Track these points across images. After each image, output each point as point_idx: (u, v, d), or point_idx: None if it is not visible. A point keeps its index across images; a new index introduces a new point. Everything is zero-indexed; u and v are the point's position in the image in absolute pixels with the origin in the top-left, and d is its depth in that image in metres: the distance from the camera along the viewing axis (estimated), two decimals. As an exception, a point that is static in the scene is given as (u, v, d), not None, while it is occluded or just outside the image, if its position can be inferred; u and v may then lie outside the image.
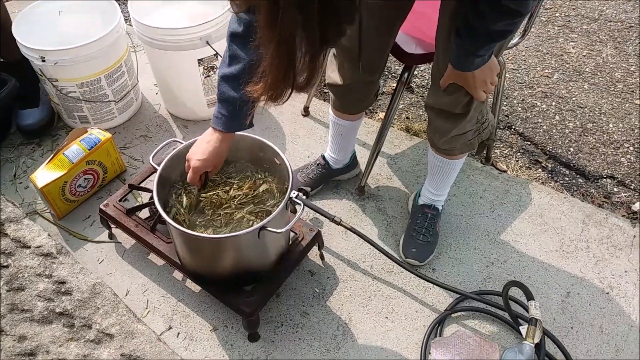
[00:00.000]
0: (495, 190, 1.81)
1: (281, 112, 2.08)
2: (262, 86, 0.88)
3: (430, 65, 1.39)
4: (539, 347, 1.20)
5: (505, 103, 2.17)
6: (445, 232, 1.67)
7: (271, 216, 1.21)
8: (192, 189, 1.39)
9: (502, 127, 2.08)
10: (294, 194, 1.28)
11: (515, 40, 1.61)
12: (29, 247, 1.12)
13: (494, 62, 1.17)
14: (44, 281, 1.06)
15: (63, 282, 1.07)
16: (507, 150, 1.99)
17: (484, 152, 1.90)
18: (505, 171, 1.89)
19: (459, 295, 1.50)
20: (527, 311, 1.35)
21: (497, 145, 1.99)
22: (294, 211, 1.51)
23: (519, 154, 1.98)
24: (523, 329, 0.98)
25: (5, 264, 1.08)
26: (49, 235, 1.15)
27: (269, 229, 1.19)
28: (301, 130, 2.02)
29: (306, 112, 2.08)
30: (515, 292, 1.47)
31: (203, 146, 1.24)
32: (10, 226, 1.15)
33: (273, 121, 2.05)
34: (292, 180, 1.29)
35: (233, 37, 1.14)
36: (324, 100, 2.16)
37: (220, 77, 1.16)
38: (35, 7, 1.85)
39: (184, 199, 1.37)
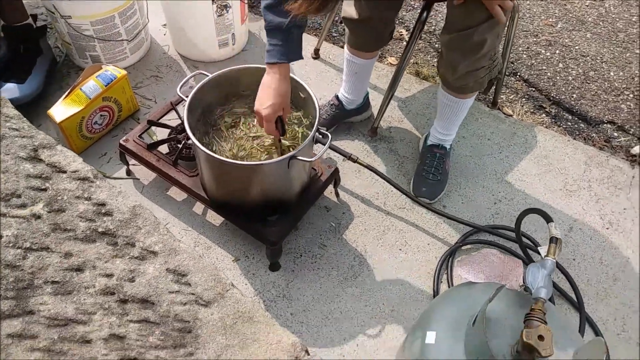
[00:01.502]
0: (502, 133, 1.87)
1: (290, 56, 2.09)
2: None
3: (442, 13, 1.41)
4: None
5: (512, 50, 2.20)
6: (455, 172, 1.74)
7: (301, 146, 1.25)
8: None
9: (508, 74, 2.12)
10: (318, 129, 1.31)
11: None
12: (65, 172, 1.14)
13: None
14: (84, 203, 1.10)
15: (103, 204, 1.10)
16: (512, 96, 2.04)
17: (491, 93, 1.94)
18: (511, 115, 1.95)
19: (468, 230, 1.58)
20: (534, 244, 1.43)
21: (503, 91, 2.04)
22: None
23: (524, 99, 2.03)
24: (542, 249, 1.05)
25: (43, 187, 1.11)
26: (83, 160, 1.17)
27: (299, 157, 1.23)
28: (312, 73, 2.04)
29: (316, 54, 2.09)
30: (525, 228, 1.55)
31: (265, 92, 1.21)
32: (44, 152, 1.17)
33: (283, 64, 2.05)
34: (318, 112, 1.32)
35: None
36: (334, 44, 2.16)
37: (263, 8, 1.17)
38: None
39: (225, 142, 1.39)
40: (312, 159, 1.26)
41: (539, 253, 1.06)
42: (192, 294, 1.01)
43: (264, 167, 1.26)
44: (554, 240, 1.02)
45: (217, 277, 1.03)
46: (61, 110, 1.60)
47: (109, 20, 1.76)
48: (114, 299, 1.00)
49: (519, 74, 2.13)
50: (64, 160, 1.18)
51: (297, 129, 1.41)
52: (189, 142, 1.36)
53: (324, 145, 1.31)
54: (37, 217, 1.08)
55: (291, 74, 1.37)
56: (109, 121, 1.74)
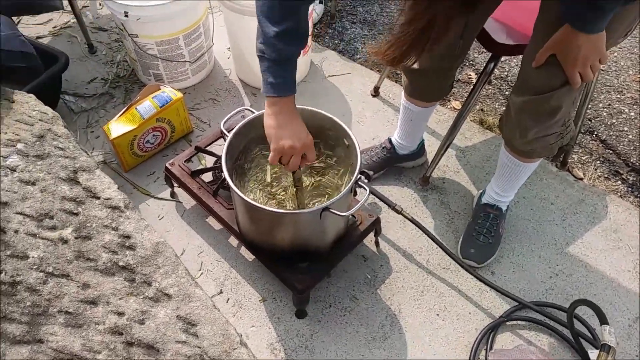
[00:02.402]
0: (568, 197, 1.71)
1: (350, 90, 2.04)
2: (388, 48, 0.86)
3: (519, 58, 1.30)
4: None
5: (589, 106, 2.03)
6: (510, 236, 1.60)
7: (335, 198, 1.18)
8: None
9: (583, 132, 1.94)
10: (359, 177, 1.25)
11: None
12: (98, 198, 1.14)
13: (602, 42, 1.05)
14: (110, 233, 1.09)
15: (128, 237, 1.08)
16: (585, 157, 1.87)
17: (561, 157, 1.79)
18: (581, 179, 1.78)
19: (517, 303, 1.43)
20: (591, 333, 1.27)
21: (575, 150, 1.87)
22: (355, 193, 1.48)
23: (598, 162, 1.85)
24: (592, 354, 0.92)
25: (75, 211, 1.11)
26: (118, 188, 1.17)
27: (331, 210, 1.17)
28: (369, 110, 1.97)
29: (376, 92, 2.02)
30: (580, 310, 1.39)
31: (289, 129, 1.13)
32: (83, 175, 1.18)
33: (341, 98, 2.00)
34: (360, 164, 1.25)
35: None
36: (396, 82, 2.09)
37: (274, 37, 1.07)
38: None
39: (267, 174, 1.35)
40: (346, 214, 1.19)
41: (593, 345, 0.92)
42: (198, 347, 0.96)
43: (295, 216, 1.21)
44: (605, 347, 0.89)
45: (226, 333, 0.98)
46: (116, 127, 1.63)
47: (173, 41, 1.79)
48: (120, 339, 0.97)
49: (596, 133, 1.95)
50: (100, 185, 1.18)
51: (337, 176, 1.35)
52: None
53: (366, 190, 1.24)
54: (64, 241, 1.08)
55: (337, 119, 1.32)
56: (161, 141, 1.76)
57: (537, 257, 1.56)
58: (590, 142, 1.92)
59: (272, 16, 1.06)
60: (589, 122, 1.98)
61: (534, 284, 1.50)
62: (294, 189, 1.29)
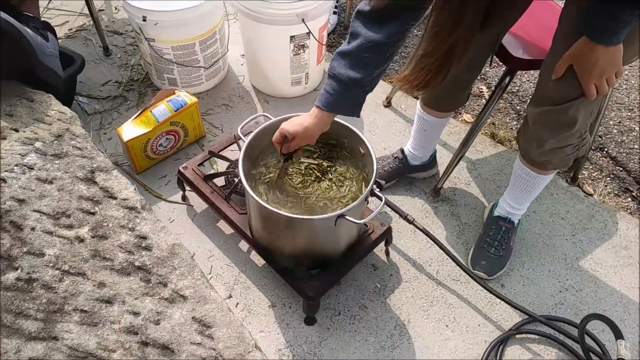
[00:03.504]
0: (578, 213, 1.71)
1: (362, 100, 2.04)
2: (413, 76, 0.88)
3: (531, 74, 1.31)
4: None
5: (601, 122, 2.04)
6: (520, 249, 1.60)
7: (351, 206, 1.18)
8: (276, 165, 1.37)
9: (593, 148, 1.95)
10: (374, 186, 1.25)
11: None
12: (115, 198, 1.15)
13: (619, 55, 1.06)
14: (127, 233, 1.09)
15: (144, 237, 1.09)
16: (596, 173, 1.87)
17: (572, 172, 1.80)
18: (591, 195, 1.78)
19: (527, 317, 1.43)
20: (601, 348, 1.27)
21: (586, 166, 1.87)
22: (367, 202, 1.48)
23: (608, 178, 1.86)
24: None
25: (92, 211, 1.12)
26: (135, 189, 1.18)
27: (347, 217, 1.17)
28: (381, 120, 1.98)
29: (388, 103, 2.04)
30: (589, 325, 1.38)
31: (299, 117, 1.21)
32: (100, 175, 1.19)
33: (353, 108, 2.01)
34: (375, 173, 1.26)
35: (358, 14, 1.11)
36: (408, 94, 2.10)
37: (336, 53, 1.14)
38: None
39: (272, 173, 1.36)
40: (361, 221, 1.19)
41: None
42: (213, 349, 0.96)
43: (309, 221, 1.21)
44: (623, 363, 0.88)
45: (242, 336, 0.98)
46: (129, 129, 1.64)
47: (189, 47, 1.81)
48: (136, 339, 0.97)
49: (606, 149, 1.96)
50: (117, 186, 1.19)
51: (352, 184, 1.35)
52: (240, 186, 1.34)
53: (381, 200, 1.24)
54: (81, 240, 1.09)
55: (353, 127, 1.33)
56: (174, 144, 1.77)
57: (547, 271, 1.56)
58: (601, 158, 1.93)
59: (348, 35, 1.12)
60: (600, 139, 1.99)
61: (543, 298, 1.50)
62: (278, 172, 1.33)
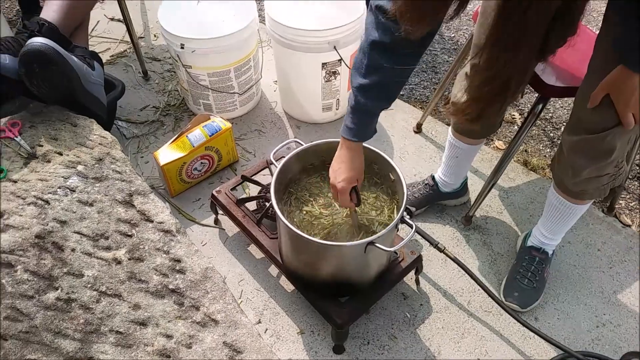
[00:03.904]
0: (616, 245, 1.66)
1: (392, 126, 2.06)
2: (467, 108, 0.89)
3: (565, 100, 1.30)
4: None
5: (638, 151, 1.99)
6: (555, 281, 1.56)
7: (381, 233, 1.19)
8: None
9: (631, 177, 1.90)
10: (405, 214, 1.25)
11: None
12: (152, 221, 1.18)
13: None
14: (162, 256, 1.12)
15: (179, 261, 1.11)
16: (634, 203, 1.82)
17: (609, 202, 1.75)
18: (629, 226, 1.73)
19: (562, 352, 1.39)
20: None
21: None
22: (397, 229, 1.48)
23: (647, 209, 1.81)
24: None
25: (129, 233, 1.15)
26: (170, 212, 1.21)
27: (377, 244, 1.17)
28: (411, 147, 1.98)
29: (419, 129, 2.04)
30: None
31: (341, 166, 1.22)
32: (138, 198, 1.22)
33: (383, 134, 2.03)
34: (406, 200, 1.26)
35: (374, 45, 1.09)
36: (438, 119, 2.10)
37: (356, 88, 1.14)
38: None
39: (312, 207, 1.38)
40: (391, 249, 1.19)
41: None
42: (244, 375, 0.97)
43: (339, 248, 1.22)
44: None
45: (272, 363, 0.98)
46: (166, 153, 1.68)
47: (224, 73, 1.86)
48: (168, 363, 0.99)
49: (644, 179, 1.91)
50: (154, 209, 1.22)
51: (382, 211, 1.36)
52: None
53: (411, 227, 1.24)
54: (118, 262, 1.12)
55: (383, 153, 1.34)
56: (208, 169, 1.81)
57: (582, 304, 1.51)
58: (639, 187, 1.88)
59: (358, 69, 1.14)
60: (637, 167, 1.94)
61: (579, 333, 1.45)
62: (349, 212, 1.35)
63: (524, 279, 1.50)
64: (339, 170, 1.22)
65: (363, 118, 1.17)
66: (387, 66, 1.10)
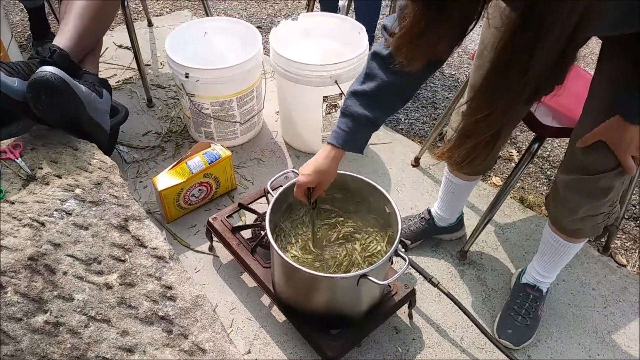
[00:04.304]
0: (610, 284, 1.65)
1: (391, 159, 2.08)
2: (449, 149, 0.91)
3: (563, 139, 1.32)
4: None
5: (634, 191, 2.00)
6: (548, 319, 1.55)
7: (374, 266, 1.19)
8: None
9: (627, 217, 1.91)
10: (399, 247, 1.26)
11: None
12: (145, 247, 1.19)
13: None
14: (153, 282, 1.12)
15: (170, 287, 1.11)
16: (629, 243, 1.82)
17: (604, 239, 1.75)
18: (624, 265, 1.73)
19: (554, 393, 1.37)
20: None
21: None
22: (391, 262, 1.48)
23: (643, 249, 1.80)
24: None
25: (122, 258, 1.15)
26: (165, 238, 1.21)
27: (369, 277, 1.17)
28: (408, 180, 2.00)
29: (416, 162, 2.06)
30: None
31: (312, 163, 1.24)
32: (133, 223, 1.23)
33: (381, 166, 2.05)
34: (400, 233, 1.26)
35: (374, 55, 1.14)
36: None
37: (349, 93, 1.17)
38: (186, 26, 2.02)
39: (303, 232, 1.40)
40: (384, 282, 1.19)
41: None
42: (229, 406, 0.96)
43: (331, 279, 1.22)
44: None
45: (258, 395, 0.97)
46: (164, 179, 1.70)
47: (227, 103, 1.90)
48: (153, 391, 0.98)
49: (640, 219, 1.91)
50: (148, 235, 1.23)
51: (377, 243, 1.36)
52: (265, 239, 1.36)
53: (405, 261, 1.24)
54: (109, 287, 1.12)
55: (378, 185, 1.35)
56: (206, 195, 1.82)
57: (576, 344, 1.50)
58: (634, 228, 1.88)
59: (358, 78, 1.17)
60: (634, 208, 1.95)
61: (573, 374, 1.43)
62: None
63: (517, 316, 1.49)
64: (307, 166, 1.24)
65: (348, 124, 1.17)
66: (380, 77, 1.12)
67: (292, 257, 1.36)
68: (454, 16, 0.81)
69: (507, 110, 0.90)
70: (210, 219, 1.61)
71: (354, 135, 1.19)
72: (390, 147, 2.13)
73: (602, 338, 1.51)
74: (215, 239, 1.66)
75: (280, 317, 1.54)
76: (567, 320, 1.55)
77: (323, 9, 2.49)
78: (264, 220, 1.58)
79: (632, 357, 1.47)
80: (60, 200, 1.26)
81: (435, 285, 1.45)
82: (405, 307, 1.51)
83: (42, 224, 1.18)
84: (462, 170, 1.45)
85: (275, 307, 1.55)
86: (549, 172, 2.09)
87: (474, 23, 0.83)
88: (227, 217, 1.63)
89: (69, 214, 1.23)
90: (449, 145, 1.02)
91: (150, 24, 2.81)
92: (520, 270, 1.61)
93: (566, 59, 0.81)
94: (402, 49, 0.95)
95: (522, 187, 2.01)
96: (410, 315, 1.54)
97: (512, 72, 0.83)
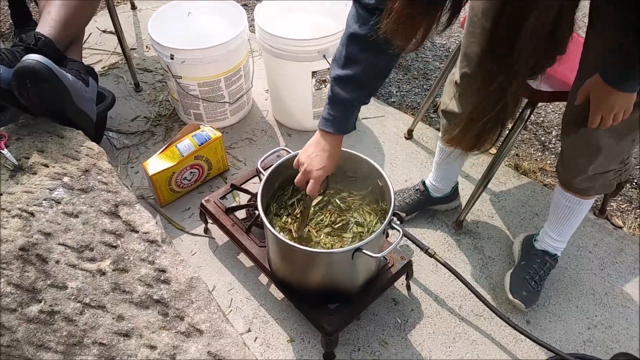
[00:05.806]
0: (607, 246, 1.66)
1: (383, 132, 2.06)
2: (461, 135, 0.91)
3: (556, 104, 1.30)
4: None
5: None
6: (546, 284, 1.55)
7: (368, 239, 1.18)
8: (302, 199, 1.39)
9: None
10: (392, 219, 1.25)
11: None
12: (137, 232, 1.18)
13: (631, 101, 1.07)
14: (147, 267, 1.11)
15: (163, 271, 1.11)
16: (625, 205, 1.82)
17: (600, 199, 1.75)
18: (621, 227, 1.73)
19: (553, 354, 1.38)
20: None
21: (614, 198, 1.82)
22: (387, 235, 1.48)
23: (638, 210, 1.80)
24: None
25: (114, 244, 1.15)
26: (156, 223, 1.20)
27: (364, 251, 1.17)
28: (402, 153, 1.98)
29: (409, 135, 2.04)
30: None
31: (319, 154, 1.20)
32: (124, 209, 1.22)
33: (374, 140, 2.03)
34: (393, 205, 1.25)
35: (352, 38, 1.10)
36: (429, 125, 2.10)
37: (333, 79, 1.15)
38: (169, 8, 1.98)
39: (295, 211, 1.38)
40: (379, 255, 1.19)
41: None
42: (228, 385, 0.96)
43: (326, 255, 1.22)
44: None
45: (256, 373, 0.98)
46: (155, 163, 1.69)
47: (214, 83, 1.87)
48: (151, 374, 0.98)
49: (636, 180, 1.90)
50: (139, 219, 1.22)
51: (369, 218, 1.36)
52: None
53: (400, 233, 1.24)
54: (102, 273, 1.11)
55: (371, 160, 1.34)
56: (198, 178, 1.81)
57: (574, 307, 1.51)
58: (630, 189, 1.87)
59: (337, 60, 1.14)
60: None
61: (571, 335, 1.44)
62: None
63: (531, 281, 1.48)
64: (317, 158, 1.20)
65: (341, 110, 1.16)
66: (364, 60, 1.10)
67: (286, 233, 1.36)
68: None
69: (508, 85, 0.90)
70: (203, 201, 1.60)
71: (348, 120, 1.19)
72: (382, 121, 2.11)
73: (599, 300, 1.52)
74: (209, 221, 1.65)
75: (278, 294, 1.54)
76: (564, 283, 1.56)
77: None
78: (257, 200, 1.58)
79: (628, 316, 1.48)
80: (48, 189, 1.24)
81: (431, 255, 1.45)
82: (403, 278, 1.51)
83: (32, 214, 1.17)
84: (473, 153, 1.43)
85: (273, 285, 1.55)
86: (543, 139, 2.08)
87: None
88: (221, 198, 1.62)
89: (58, 202, 1.22)
90: (457, 129, 1.01)
91: (133, 7, 2.75)
92: (526, 235, 1.59)
93: (562, 23, 0.79)
94: (398, 34, 0.93)
95: (517, 154, 2.00)
96: (408, 287, 1.54)
97: (505, 46, 0.82)
